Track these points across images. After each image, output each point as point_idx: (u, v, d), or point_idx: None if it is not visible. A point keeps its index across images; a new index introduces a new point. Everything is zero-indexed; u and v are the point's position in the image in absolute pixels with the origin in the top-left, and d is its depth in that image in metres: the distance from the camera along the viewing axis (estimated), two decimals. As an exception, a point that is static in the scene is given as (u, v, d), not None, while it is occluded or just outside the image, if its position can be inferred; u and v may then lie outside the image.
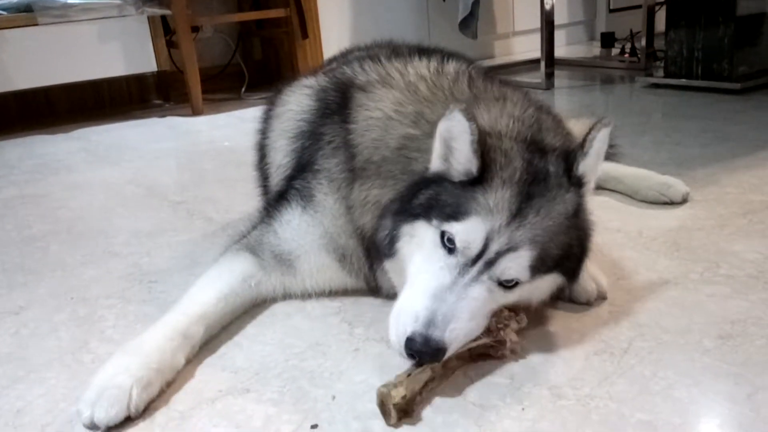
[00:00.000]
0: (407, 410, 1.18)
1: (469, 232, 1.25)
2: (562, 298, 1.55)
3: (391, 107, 1.52)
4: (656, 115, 3.59)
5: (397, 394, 1.16)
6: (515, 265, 1.27)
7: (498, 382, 1.28)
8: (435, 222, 1.30)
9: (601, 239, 1.88)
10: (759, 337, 1.38)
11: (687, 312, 1.50)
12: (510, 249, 1.26)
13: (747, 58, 3.76)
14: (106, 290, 1.79)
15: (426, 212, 1.32)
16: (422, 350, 1.20)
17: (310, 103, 1.69)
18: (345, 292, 1.65)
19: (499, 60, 5.61)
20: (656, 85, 4.07)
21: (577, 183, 1.34)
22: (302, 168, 1.62)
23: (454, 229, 1.26)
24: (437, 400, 1.24)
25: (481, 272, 1.26)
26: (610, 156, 2.43)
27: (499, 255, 1.26)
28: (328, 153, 1.57)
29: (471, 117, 1.27)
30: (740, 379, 1.25)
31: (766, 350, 1.33)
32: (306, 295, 1.64)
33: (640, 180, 2.21)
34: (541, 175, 1.30)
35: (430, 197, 1.33)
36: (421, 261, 1.31)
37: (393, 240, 1.36)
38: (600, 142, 1.32)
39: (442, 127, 1.31)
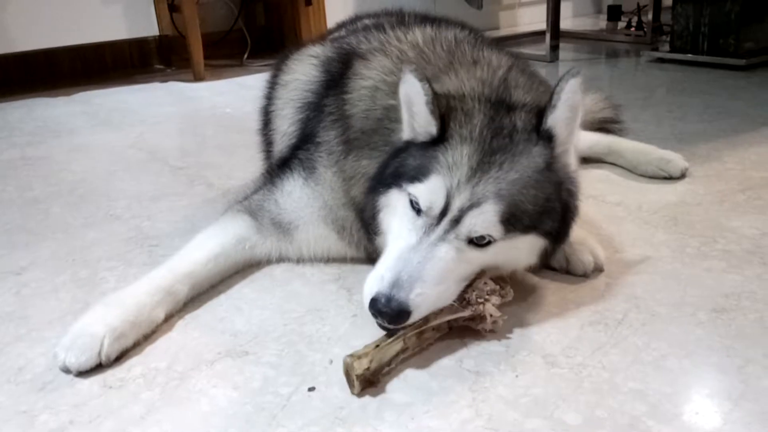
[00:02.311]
0: (371, 380, 1.19)
1: (429, 191, 1.27)
2: (558, 269, 1.56)
3: (380, 76, 1.53)
4: (660, 89, 3.57)
5: (360, 366, 1.17)
6: (481, 221, 1.25)
7: (493, 350, 1.30)
8: (404, 186, 1.31)
9: (600, 212, 1.90)
10: (752, 311, 1.40)
11: (682, 285, 1.51)
12: (473, 205, 1.25)
13: (753, 34, 3.73)
14: (107, 253, 1.80)
15: (396, 179, 1.34)
16: (384, 311, 1.20)
17: (316, 74, 1.69)
18: (344, 260, 1.66)
19: (504, 31, 5.56)
20: (661, 60, 4.04)
21: (546, 137, 1.32)
22: (306, 139, 1.63)
23: (418, 190, 1.28)
24: (433, 367, 1.26)
25: (447, 231, 1.26)
26: (614, 131, 2.44)
27: (463, 212, 1.25)
28: (327, 125, 1.58)
29: (422, 77, 1.28)
30: (732, 351, 1.27)
31: (759, 324, 1.35)
32: (302, 261, 1.66)
33: (640, 154, 2.21)
34: (505, 130, 1.30)
35: (398, 165, 1.35)
36: (396, 227, 1.34)
37: (375, 215, 1.40)
38: (568, 93, 1.28)
39: (401, 92, 1.33)
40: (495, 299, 1.32)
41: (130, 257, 1.77)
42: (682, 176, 2.14)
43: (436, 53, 1.53)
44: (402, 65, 1.33)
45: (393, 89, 1.46)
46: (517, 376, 1.22)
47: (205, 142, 3.02)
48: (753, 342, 1.29)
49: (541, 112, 1.32)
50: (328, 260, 1.66)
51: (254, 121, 2.08)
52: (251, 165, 2.16)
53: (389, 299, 1.20)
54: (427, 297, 1.23)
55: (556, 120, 1.31)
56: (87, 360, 1.27)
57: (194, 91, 3.97)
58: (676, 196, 2.02)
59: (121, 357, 1.31)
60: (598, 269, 1.57)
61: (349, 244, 1.62)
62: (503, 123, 1.30)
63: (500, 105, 1.33)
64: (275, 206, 1.63)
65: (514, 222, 1.27)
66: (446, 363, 1.27)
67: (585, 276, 1.55)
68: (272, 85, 1.94)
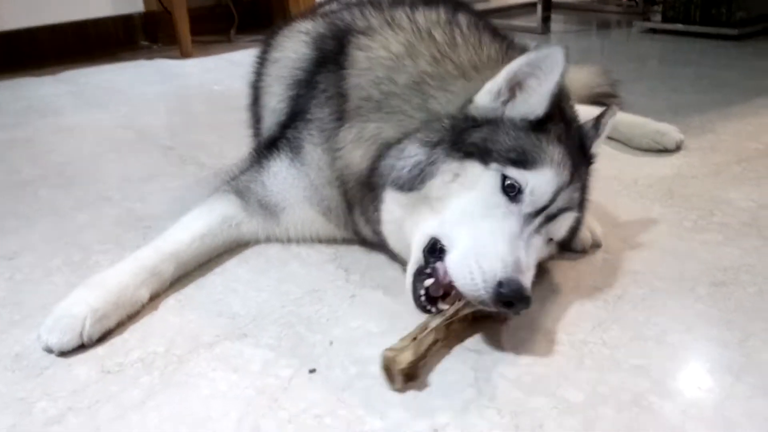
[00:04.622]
0: (411, 374, 1.15)
1: (542, 183, 1.24)
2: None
3: (400, 48, 1.48)
4: (652, 60, 3.56)
5: (404, 360, 1.13)
6: (567, 224, 1.31)
7: (493, 328, 1.29)
8: (494, 165, 1.25)
9: (596, 187, 1.88)
10: (751, 284, 1.40)
11: (680, 259, 1.51)
12: (568, 208, 1.29)
13: (745, 3, 3.71)
14: (99, 236, 1.78)
15: (480, 153, 1.27)
16: (514, 296, 1.14)
17: (307, 52, 1.66)
18: (337, 240, 1.65)
19: (495, 3, 5.50)
20: (653, 30, 4.02)
21: (588, 160, 1.42)
22: (295, 117, 1.60)
23: (524, 177, 1.24)
24: (434, 346, 1.25)
25: (541, 225, 1.25)
26: (611, 106, 2.43)
27: (560, 212, 1.27)
28: (321, 102, 1.54)
29: (567, 59, 1.26)
30: (732, 325, 1.27)
31: (758, 297, 1.35)
32: (293, 241, 1.65)
33: (635, 128, 2.20)
34: (573, 138, 1.35)
35: (484, 137, 1.28)
36: (474, 204, 1.25)
37: (425, 174, 1.29)
38: (610, 126, 1.44)
39: (525, 60, 1.27)
40: None
41: (123, 240, 1.75)
42: (678, 149, 2.14)
43: (484, 38, 1.48)
44: (551, 42, 1.31)
45: (430, 59, 1.42)
46: (518, 354, 1.22)
47: (194, 120, 2.98)
48: (753, 315, 1.29)
49: (580, 131, 1.41)
50: (320, 241, 1.65)
51: (244, 98, 2.04)
52: (242, 144, 2.13)
53: (519, 286, 1.14)
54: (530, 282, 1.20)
55: (597, 147, 1.45)
56: (69, 341, 1.27)
57: (181, 68, 3.91)
58: (672, 169, 2.01)
59: (104, 337, 1.31)
60: (596, 245, 1.56)
61: (336, 226, 1.60)
62: (575, 128, 1.38)
63: (563, 113, 1.35)
64: (261, 188, 1.62)
65: (573, 229, 1.37)
66: (446, 342, 1.26)
67: (583, 252, 1.55)
68: (261, 61, 1.91)
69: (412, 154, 1.32)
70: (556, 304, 1.37)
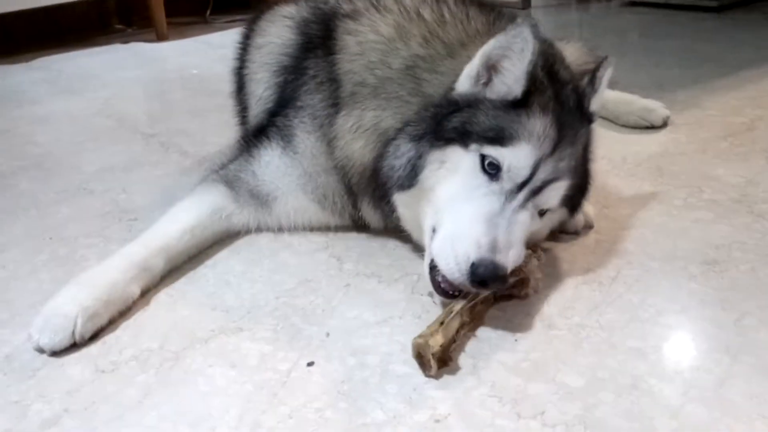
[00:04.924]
0: (444, 359, 1.15)
1: (519, 158, 1.23)
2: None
3: (390, 31, 1.46)
4: (633, 34, 3.55)
5: (436, 343, 1.13)
6: (556, 194, 1.28)
7: (490, 314, 1.29)
8: (473, 146, 1.26)
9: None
10: (743, 261, 1.40)
11: (672, 238, 1.51)
12: (554, 179, 1.26)
13: (724, -26, 3.71)
14: (84, 229, 1.74)
15: (461, 136, 1.27)
16: (489, 276, 1.15)
17: (292, 37, 1.63)
18: (329, 228, 1.63)
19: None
20: (633, 3, 4.01)
21: (588, 119, 1.36)
22: (284, 103, 1.57)
23: (501, 154, 1.23)
24: (431, 334, 1.24)
25: (526, 199, 1.24)
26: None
27: (545, 184, 1.25)
28: (312, 88, 1.52)
29: (537, 36, 1.23)
30: (727, 304, 1.28)
31: (751, 275, 1.36)
32: (282, 229, 1.62)
33: (622, 105, 2.19)
34: (566, 105, 1.31)
35: (464, 120, 1.28)
36: (457, 188, 1.26)
37: (416, 168, 1.30)
38: (606, 80, 1.37)
39: (496, 43, 1.26)
40: (534, 262, 1.33)
41: (108, 233, 1.72)
42: (664, 125, 2.14)
43: (473, 12, 1.46)
44: (518, 19, 1.26)
45: (421, 40, 1.41)
46: (516, 340, 1.22)
47: (174, 106, 2.93)
48: (747, 294, 1.30)
49: (577, 91, 1.35)
50: (312, 229, 1.63)
51: (224, 83, 2.01)
52: (225, 129, 2.10)
53: (495, 265, 1.15)
54: (514, 262, 1.21)
55: (596, 104, 1.38)
56: (61, 340, 1.25)
57: (158, 51, 3.84)
58: (660, 146, 2.01)
59: (96, 335, 1.29)
60: (588, 226, 1.56)
61: (332, 213, 1.59)
62: (563, 98, 1.31)
63: (555, 77, 1.32)
64: (252, 177, 1.59)
65: (568, 196, 1.33)
66: (444, 330, 1.26)
67: (576, 233, 1.55)
68: (244, 47, 1.87)
69: (404, 151, 1.32)
70: (551, 287, 1.36)
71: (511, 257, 1.19)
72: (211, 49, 3.69)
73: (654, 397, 1.07)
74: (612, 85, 2.38)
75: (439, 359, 1.13)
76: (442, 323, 1.17)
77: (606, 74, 1.38)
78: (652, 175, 1.82)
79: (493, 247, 1.17)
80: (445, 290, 1.23)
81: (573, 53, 2.37)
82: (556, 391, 1.09)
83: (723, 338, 1.19)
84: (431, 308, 1.32)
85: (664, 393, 1.07)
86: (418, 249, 1.49)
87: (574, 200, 1.38)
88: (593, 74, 1.37)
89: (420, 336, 1.15)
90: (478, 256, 1.16)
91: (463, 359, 1.18)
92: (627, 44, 3.30)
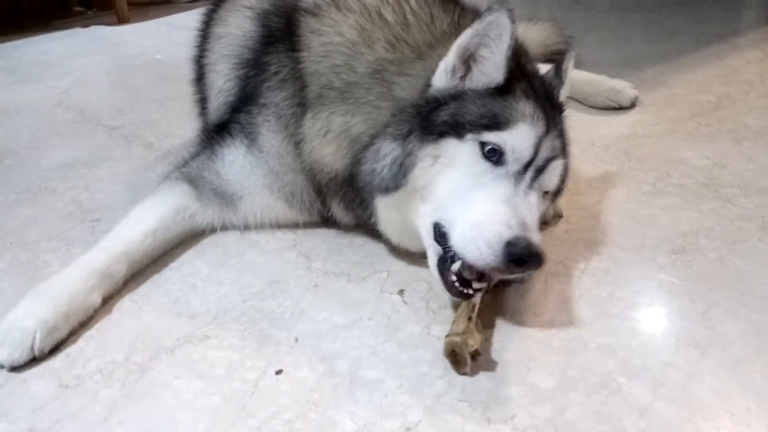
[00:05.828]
0: (474, 355, 1.15)
1: (521, 139, 1.23)
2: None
3: (353, 33, 1.42)
4: (601, 7, 3.53)
5: (476, 341, 1.13)
6: (557, 173, 1.30)
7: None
8: (469, 136, 1.24)
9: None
10: (711, 250, 1.41)
11: (640, 226, 1.51)
12: (554, 157, 1.27)
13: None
14: (46, 232, 1.70)
15: (453, 128, 1.25)
16: (525, 253, 1.12)
17: (252, 29, 1.58)
18: (296, 225, 1.61)
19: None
20: (602, -24, 3.98)
21: (558, 109, 1.39)
22: (246, 99, 1.53)
23: (502, 138, 1.22)
24: (401, 336, 1.23)
25: (532, 179, 1.24)
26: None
27: (547, 162, 1.26)
28: (274, 85, 1.48)
29: (514, 19, 1.22)
30: (694, 296, 1.28)
31: (718, 263, 1.36)
32: (248, 227, 1.60)
33: (590, 86, 2.19)
34: (543, 89, 1.34)
35: (453, 112, 1.26)
36: (459, 179, 1.24)
37: (405, 167, 1.27)
38: (570, 72, 1.43)
39: (472, 32, 1.25)
40: None
41: (71, 236, 1.68)
42: (633, 105, 2.14)
43: (435, 12, 1.43)
44: (495, 4, 1.22)
45: (386, 44, 1.38)
46: (487, 339, 1.21)
47: (137, 95, 2.85)
48: (714, 284, 1.30)
49: (544, 81, 1.38)
50: (279, 226, 1.61)
51: (188, 69, 1.95)
52: (189, 119, 2.05)
53: (530, 242, 1.12)
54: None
55: (564, 93, 1.43)
56: (20, 356, 1.23)
57: (119, 35, 3.74)
58: (627, 128, 2.01)
59: (58, 347, 1.26)
60: (558, 215, 1.56)
61: (300, 211, 1.56)
62: (539, 81, 1.35)
63: (523, 69, 1.32)
64: (216, 177, 1.55)
65: (562, 178, 1.36)
66: (414, 330, 1.25)
67: (545, 224, 1.54)
68: (204, 36, 1.82)
69: (387, 152, 1.29)
70: (521, 282, 1.36)
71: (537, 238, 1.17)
72: (175, 31, 3.61)
73: (623, 395, 1.07)
74: (579, 64, 2.40)
75: (473, 357, 1.13)
76: (470, 318, 1.17)
77: (571, 66, 1.43)
78: (620, 159, 1.82)
79: (525, 226, 1.15)
80: (460, 291, 1.20)
81: (542, 33, 2.36)
82: (527, 393, 1.09)
83: (691, 332, 1.19)
84: (401, 308, 1.31)
85: (633, 391, 1.08)
86: (387, 245, 1.48)
87: (562, 185, 1.38)
88: (558, 67, 1.40)
89: (453, 334, 1.14)
90: (512, 235, 1.13)
91: (434, 361, 1.17)
92: (595, 20, 3.29)
